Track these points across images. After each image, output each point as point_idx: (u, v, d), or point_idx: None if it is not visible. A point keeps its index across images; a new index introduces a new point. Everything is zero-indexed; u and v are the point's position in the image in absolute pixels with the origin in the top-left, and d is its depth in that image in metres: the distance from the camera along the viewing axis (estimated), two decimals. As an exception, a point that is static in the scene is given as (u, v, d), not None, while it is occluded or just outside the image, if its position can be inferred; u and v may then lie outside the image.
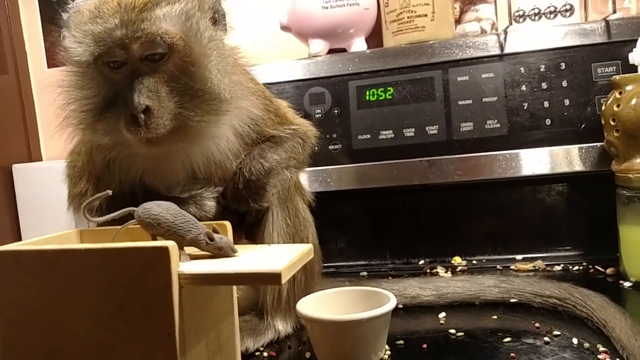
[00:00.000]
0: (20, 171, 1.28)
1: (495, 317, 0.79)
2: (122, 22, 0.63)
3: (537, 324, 0.74)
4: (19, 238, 1.26)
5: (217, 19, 0.71)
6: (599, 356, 0.64)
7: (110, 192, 0.57)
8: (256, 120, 0.76)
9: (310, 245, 0.58)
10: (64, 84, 0.70)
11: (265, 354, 0.74)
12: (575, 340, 0.68)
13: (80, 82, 0.69)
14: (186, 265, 0.51)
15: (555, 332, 0.71)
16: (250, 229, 0.78)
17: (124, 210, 0.55)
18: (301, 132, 0.82)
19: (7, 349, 0.52)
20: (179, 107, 0.65)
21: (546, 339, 0.70)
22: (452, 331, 0.75)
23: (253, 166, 0.74)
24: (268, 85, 1.08)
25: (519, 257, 1.06)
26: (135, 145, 0.66)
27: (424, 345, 0.71)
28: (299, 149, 0.81)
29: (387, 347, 0.70)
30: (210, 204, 0.72)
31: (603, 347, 0.66)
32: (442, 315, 0.81)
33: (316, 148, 0.88)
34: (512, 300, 0.82)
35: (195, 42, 0.65)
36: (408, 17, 1.09)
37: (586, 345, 0.67)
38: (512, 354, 0.66)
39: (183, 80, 0.65)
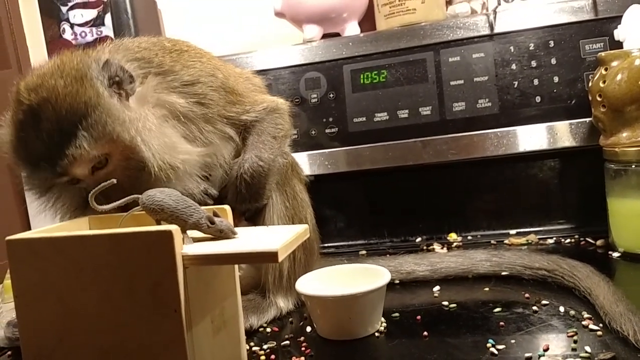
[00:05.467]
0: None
1: (487, 289, 0.82)
2: (52, 159, 0.63)
3: (526, 295, 0.78)
4: (28, 226, 1.30)
5: (120, 79, 0.68)
6: (583, 322, 0.67)
7: (114, 180, 0.60)
8: (214, 107, 0.76)
9: (305, 226, 0.61)
10: (46, 206, 0.71)
11: (268, 329, 0.78)
12: (562, 309, 0.72)
13: (53, 197, 0.71)
14: (189, 247, 0.54)
15: (544, 302, 0.74)
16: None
17: (128, 197, 0.58)
18: (273, 107, 0.83)
19: (24, 330, 0.55)
20: (146, 186, 0.64)
21: (535, 308, 0.73)
22: (445, 303, 0.78)
23: (254, 170, 0.77)
24: (264, 71, 1.12)
25: (513, 232, 1.09)
26: None
27: (418, 317, 0.75)
28: (282, 122, 0.83)
29: (383, 319, 0.74)
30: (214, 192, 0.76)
31: (587, 313, 0.69)
32: (436, 288, 0.84)
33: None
34: (503, 273, 0.86)
35: (120, 137, 0.64)
36: (399, 0, 1.11)
37: (572, 312, 0.70)
38: (502, 323, 0.69)
39: (133, 165, 0.66)
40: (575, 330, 0.65)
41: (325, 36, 1.20)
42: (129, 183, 0.66)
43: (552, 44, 1.04)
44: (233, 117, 0.79)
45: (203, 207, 0.58)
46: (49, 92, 0.64)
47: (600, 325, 0.65)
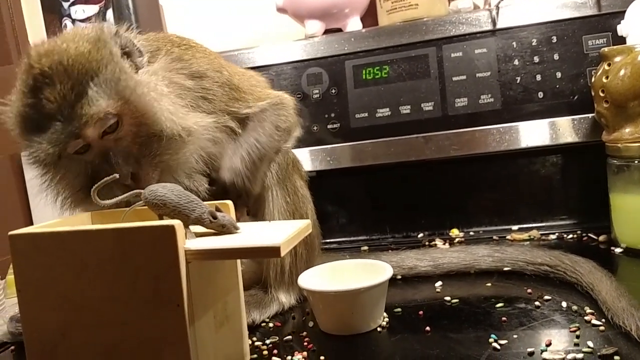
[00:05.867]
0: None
1: (489, 284, 0.82)
2: (65, 119, 0.62)
3: (529, 290, 0.78)
4: (30, 222, 1.30)
5: (129, 51, 0.69)
6: (586, 317, 0.67)
7: (117, 175, 0.60)
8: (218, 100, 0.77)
9: (308, 221, 0.61)
10: (45, 184, 0.70)
11: (270, 324, 0.78)
12: (564, 304, 0.72)
13: (57, 175, 0.69)
14: (192, 242, 0.54)
15: (546, 297, 0.74)
16: (252, 207, 0.81)
17: (131, 192, 0.58)
18: (276, 101, 0.83)
19: (27, 325, 0.55)
20: (156, 154, 0.66)
21: (537, 303, 0.73)
22: (448, 298, 0.78)
23: (251, 150, 0.77)
24: (266, 67, 1.12)
25: (515, 227, 1.09)
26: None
27: (420, 312, 0.75)
28: (285, 114, 0.83)
29: (385, 314, 0.74)
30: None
31: (590, 309, 0.69)
32: (438, 284, 0.85)
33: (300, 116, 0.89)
34: (505, 269, 0.86)
35: (133, 96, 0.64)
36: (401, -4, 1.11)
37: (574, 307, 0.70)
38: (504, 318, 0.69)
39: (144, 131, 0.66)
40: (577, 325, 0.65)
41: (327, 32, 1.20)
42: (139, 150, 0.66)
43: (554, 39, 1.04)
44: (235, 112, 0.79)
45: (205, 202, 0.58)
46: (61, 55, 0.63)
47: (603, 320, 0.65)
